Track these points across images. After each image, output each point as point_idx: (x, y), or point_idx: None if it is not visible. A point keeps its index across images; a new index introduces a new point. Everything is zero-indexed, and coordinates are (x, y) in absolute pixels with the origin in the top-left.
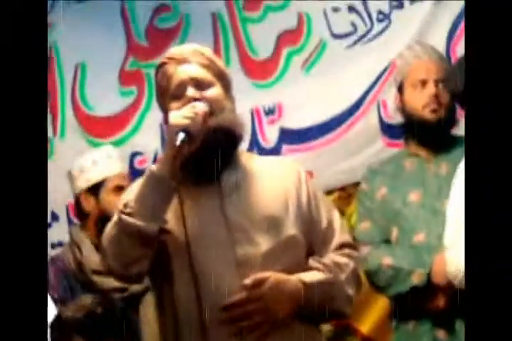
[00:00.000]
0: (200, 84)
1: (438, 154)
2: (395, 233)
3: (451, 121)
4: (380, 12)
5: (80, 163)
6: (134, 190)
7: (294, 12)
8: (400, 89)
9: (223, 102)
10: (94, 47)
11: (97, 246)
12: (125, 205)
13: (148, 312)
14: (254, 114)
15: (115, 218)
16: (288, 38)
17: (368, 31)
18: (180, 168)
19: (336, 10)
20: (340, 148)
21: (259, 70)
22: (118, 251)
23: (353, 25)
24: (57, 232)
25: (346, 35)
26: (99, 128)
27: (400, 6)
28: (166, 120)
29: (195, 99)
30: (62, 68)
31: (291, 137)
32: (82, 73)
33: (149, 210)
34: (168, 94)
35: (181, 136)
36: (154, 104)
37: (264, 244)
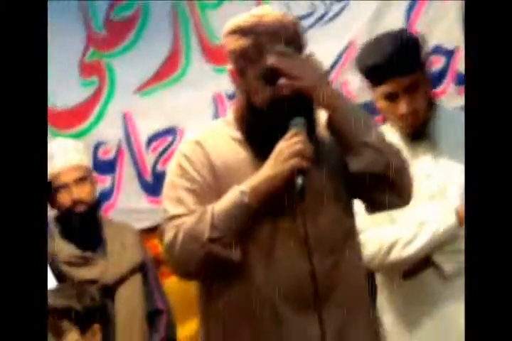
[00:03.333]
0: None
1: None
2: None
3: None
4: None
5: None
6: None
7: None
8: None
9: None
10: (53, 40)
11: (68, 237)
12: (212, 227)
13: (122, 303)
14: (217, 99)
15: (197, 234)
16: None
17: (327, 12)
18: None
19: None
20: None
21: (220, 55)
22: (193, 266)
23: (312, 6)
24: None
25: (305, 17)
26: (62, 121)
27: None
28: (242, 88)
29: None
30: None
31: None
32: None
33: (237, 237)
34: (253, 69)
35: (301, 181)
36: (116, 94)
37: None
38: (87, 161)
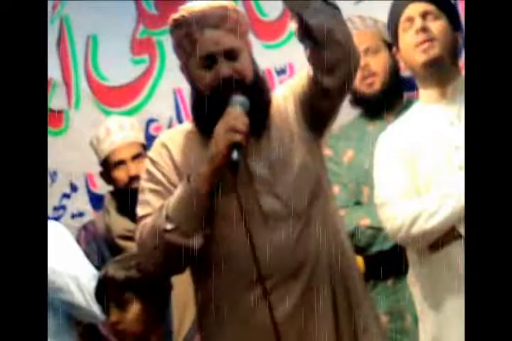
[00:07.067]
0: (230, 55)
1: (397, 116)
2: (366, 193)
3: (397, 86)
4: None
5: (96, 132)
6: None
7: None
8: None
9: (252, 66)
10: (104, 18)
11: (123, 212)
12: (167, 218)
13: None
14: (266, 74)
15: (156, 228)
16: None
17: None
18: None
19: None
20: None
21: (269, 31)
22: (160, 261)
23: None
24: (77, 203)
25: None
26: (113, 98)
27: None
28: (190, 81)
29: (230, 76)
30: (73, 40)
31: None
32: (93, 44)
33: (194, 224)
34: (192, 59)
35: (236, 156)
36: (166, 71)
37: (284, 191)
38: (142, 138)
